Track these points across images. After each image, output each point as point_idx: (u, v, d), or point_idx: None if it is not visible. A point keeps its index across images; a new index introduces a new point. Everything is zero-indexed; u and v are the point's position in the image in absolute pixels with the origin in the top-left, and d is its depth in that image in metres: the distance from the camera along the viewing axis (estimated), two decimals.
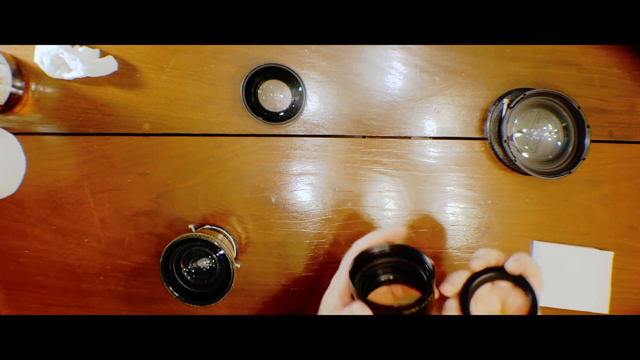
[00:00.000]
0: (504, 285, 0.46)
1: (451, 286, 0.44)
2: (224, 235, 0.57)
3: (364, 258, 0.44)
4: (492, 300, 0.47)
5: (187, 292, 0.52)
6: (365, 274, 0.45)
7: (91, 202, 0.58)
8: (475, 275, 0.44)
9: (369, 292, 0.46)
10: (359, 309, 0.41)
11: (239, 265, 0.56)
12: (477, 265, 0.44)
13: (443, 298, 0.45)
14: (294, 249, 0.60)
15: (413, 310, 0.40)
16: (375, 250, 0.45)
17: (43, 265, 0.59)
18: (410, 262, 0.45)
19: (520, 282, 0.44)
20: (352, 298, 0.44)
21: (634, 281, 0.61)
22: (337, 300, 0.45)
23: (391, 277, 0.47)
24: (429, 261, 0.42)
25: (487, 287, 0.46)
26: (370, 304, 0.41)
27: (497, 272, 0.44)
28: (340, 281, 0.45)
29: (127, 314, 0.60)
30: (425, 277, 0.43)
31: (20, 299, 0.59)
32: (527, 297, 0.44)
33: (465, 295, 0.44)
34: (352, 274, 0.43)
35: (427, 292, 0.41)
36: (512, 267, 0.43)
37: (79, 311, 0.60)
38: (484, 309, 0.46)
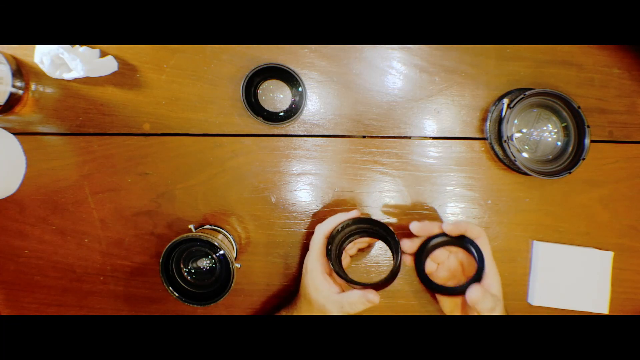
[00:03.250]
0: (457, 249, 0.53)
1: (409, 245, 0.52)
2: (224, 235, 0.57)
3: (332, 237, 0.51)
4: (450, 260, 0.54)
5: (187, 292, 0.52)
6: (338, 247, 0.52)
7: (91, 202, 0.58)
8: (428, 240, 0.52)
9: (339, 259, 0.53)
10: (372, 294, 0.47)
11: (239, 265, 0.56)
12: (421, 231, 0.51)
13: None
14: (294, 249, 0.60)
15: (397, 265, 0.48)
16: (340, 227, 0.52)
17: (43, 265, 0.59)
18: (371, 226, 0.52)
19: (464, 243, 0.50)
20: (332, 274, 0.52)
21: (634, 281, 0.61)
22: (325, 283, 0.51)
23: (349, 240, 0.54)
24: (387, 227, 0.50)
25: (443, 250, 0.53)
26: (372, 286, 0.48)
27: (446, 237, 0.51)
28: (315, 265, 0.52)
29: (127, 314, 0.60)
30: (384, 236, 0.51)
31: (20, 299, 0.59)
32: (472, 256, 0.50)
33: (420, 255, 0.51)
34: (328, 253, 0.50)
35: (397, 249, 0.49)
36: (449, 229, 0.50)
37: (79, 311, 0.60)
38: (444, 268, 0.54)
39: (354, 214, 0.53)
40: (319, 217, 0.60)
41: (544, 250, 0.60)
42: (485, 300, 0.47)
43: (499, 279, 0.50)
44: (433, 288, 0.51)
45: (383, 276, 0.50)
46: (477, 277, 0.49)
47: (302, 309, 0.54)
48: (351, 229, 0.53)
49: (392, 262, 0.53)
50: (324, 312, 0.51)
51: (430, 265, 0.54)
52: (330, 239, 0.51)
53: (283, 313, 0.56)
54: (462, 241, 0.51)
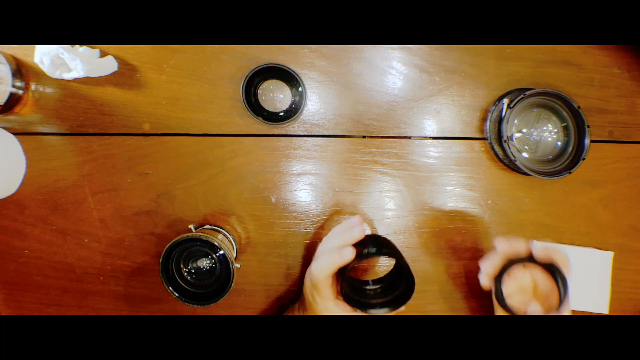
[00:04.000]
0: (535, 267, 0.49)
1: (488, 266, 0.49)
2: (224, 235, 0.57)
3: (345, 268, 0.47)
4: (524, 277, 0.50)
5: (187, 292, 0.52)
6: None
7: (91, 202, 0.58)
8: (508, 264, 0.48)
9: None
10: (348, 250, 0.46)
11: (239, 265, 0.56)
12: (508, 251, 0.48)
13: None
14: (294, 249, 0.60)
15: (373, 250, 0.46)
16: (363, 252, 0.47)
17: (43, 265, 0.59)
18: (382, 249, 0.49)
19: (550, 269, 0.47)
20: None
21: (634, 281, 0.61)
22: (333, 303, 0.49)
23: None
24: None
25: (519, 266, 0.50)
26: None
27: (527, 260, 0.48)
28: (326, 286, 0.48)
29: (127, 314, 0.60)
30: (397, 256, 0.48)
31: (20, 299, 0.59)
32: (555, 282, 0.47)
33: (500, 279, 0.48)
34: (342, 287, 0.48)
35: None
36: (539, 255, 0.46)
37: (79, 311, 0.60)
38: (517, 283, 0.50)
39: (359, 234, 0.49)
40: (318, 218, 0.60)
41: None
42: None
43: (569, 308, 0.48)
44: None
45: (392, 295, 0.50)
46: (560, 309, 0.46)
47: (296, 310, 0.53)
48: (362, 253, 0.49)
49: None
50: (312, 303, 0.50)
51: (507, 281, 0.50)
52: (343, 270, 0.47)
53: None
54: (549, 268, 0.48)
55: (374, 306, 0.49)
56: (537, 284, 0.50)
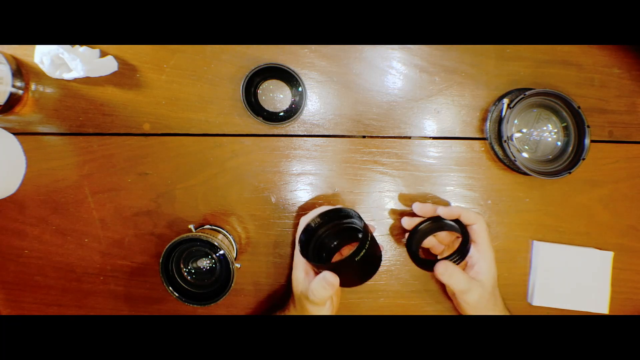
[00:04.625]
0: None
1: (408, 222, 0.56)
2: (224, 235, 0.57)
3: (307, 235, 0.52)
4: (455, 244, 0.56)
5: (187, 292, 0.52)
6: (315, 248, 0.53)
7: (91, 202, 0.58)
8: (421, 222, 0.55)
9: (326, 260, 0.55)
10: (329, 275, 0.47)
11: (239, 265, 0.56)
12: (421, 211, 0.55)
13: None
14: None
15: (362, 253, 0.46)
16: (312, 225, 0.52)
17: (43, 265, 0.59)
18: (342, 221, 0.53)
19: (459, 228, 0.52)
20: (315, 269, 0.51)
21: (634, 281, 0.61)
22: (303, 274, 0.51)
23: (335, 243, 0.55)
24: (353, 211, 0.50)
25: (449, 234, 0.56)
26: (331, 267, 0.47)
27: (439, 220, 0.54)
28: (299, 260, 0.52)
29: (127, 314, 0.60)
30: (359, 225, 0.51)
31: (20, 299, 0.59)
32: (458, 231, 0.52)
33: (413, 234, 0.54)
34: (304, 253, 0.50)
35: (364, 235, 0.47)
36: (444, 212, 0.52)
37: (79, 311, 0.60)
38: (448, 249, 0.57)
39: (322, 208, 0.53)
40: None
41: (544, 250, 0.60)
42: (454, 278, 0.49)
43: (491, 267, 0.51)
44: (417, 262, 0.52)
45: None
46: (452, 255, 0.50)
47: (291, 308, 0.54)
48: (325, 229, 0.53)
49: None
50: (304, 307, 0.51)
51: (434, 245, 0.56)
52: (306, 232, 0.52)
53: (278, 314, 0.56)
54: (453, 225, 0.53)
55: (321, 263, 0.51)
56: (441, 237, 0.56)
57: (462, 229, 0.51)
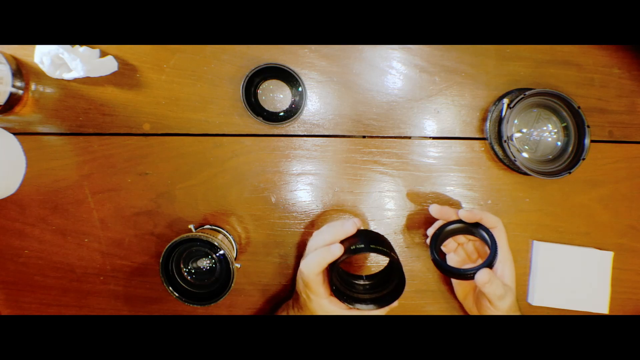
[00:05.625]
0: (476, 239, 0.55)
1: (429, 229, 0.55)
2: (224, 235, 0.57)
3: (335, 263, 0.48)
4: (467, 246, 0.56)
5: (187, 292, 0.52)
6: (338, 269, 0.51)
7: (91, 202, 0.58)
8: (445, 225, 0.53)
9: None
10: (335, 246, 0.46)
11: (239, 265, 0.56)
12: (440, 214, 0.54)
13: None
14: (294, 249, 0.60)
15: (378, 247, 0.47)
16: (344, 256, 0.47)
17: (43, 265, 0.59)
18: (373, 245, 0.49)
19: (480, 231, 0.52)
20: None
21: (634, 281, 0.61)
22: (318, 269, 0.48)
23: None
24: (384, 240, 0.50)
25: (462, 237, 0.56)
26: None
27: (463, 224, 0.53)
28: (318, 282, 0.48)
29: (127, 314, 0.60)
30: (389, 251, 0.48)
31: (20, 299, 0.59)
32: (483, 243, 0.52)
33: (435, 239, 0.53)
34: (331, 282, 0.47)
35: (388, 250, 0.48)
36: (465, 216, 0.51)
37: (79, 311, 0.60)
38: (459, 252, 0.56)
39: (351, 228, 0.49)
40: (318, 218, 0.60)
41: (544, 250, 0.60)
42: (494, 285, 0.48)
43: (513, 271, 0.51)
44: (445, 270, 0.51)
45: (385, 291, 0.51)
46: (489, 262, 0.49)
47: (291, 308, 0.54)
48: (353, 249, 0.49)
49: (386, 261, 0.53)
50: (307, 299, 0.50)
51: (450, 245, 0.56)
52: (333, 265, 0.47)
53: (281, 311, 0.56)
54: (478, 230, 0.52)
55: (362, 301, 0.49)
56: (479, 251, 0.56)
57: (488, 234, 0.50)
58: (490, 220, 0.51)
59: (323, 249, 0.47)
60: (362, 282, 0.53)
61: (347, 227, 0.49)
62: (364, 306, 0.49)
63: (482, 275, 0.47)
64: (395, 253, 0.49)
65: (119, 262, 0.59)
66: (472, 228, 0.52)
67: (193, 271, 0.53)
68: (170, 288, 0.51)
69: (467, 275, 0.49)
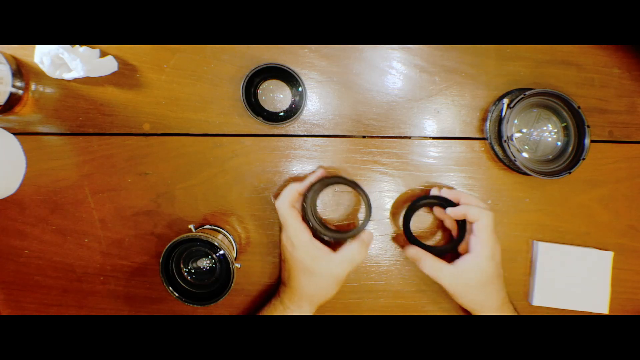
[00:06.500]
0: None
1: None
2: (224, 235, 0.57)
3: (305, 200, 0.53)
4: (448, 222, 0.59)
5: (187, 292, 0.52)
6: (313, 207, 0.55)
7: (91, 202, 0.58)
8: (418, 199, 0.57)
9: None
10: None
11: (239, 265, 0.56)
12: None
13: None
14: None
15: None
16: (311, 188, 0.53)
17: (43, 265, 0.59)
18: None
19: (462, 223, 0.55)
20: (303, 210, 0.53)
21: (634, 281, 0.61)
22: (311, 243, 0.51)
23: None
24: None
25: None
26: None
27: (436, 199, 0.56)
28: (297, 229, 0.52)
29: (127, 314, 0.60)
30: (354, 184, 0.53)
31: (20, 299, 0.59)
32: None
33: (410, 212, 0.56)
34: (305, 215, 0.52)
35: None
36: (452, 212, 0.54)
37: (79, 311, 0.60)
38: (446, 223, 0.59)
39: (319, 173, 0.55)
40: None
41: (544, 250, 0.60)
42: (427, 267, 0.52)
43: (482, 265, 0.52)
44: (412, 241, 0.55)
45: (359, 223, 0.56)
46: (451, 246, 0.55)
47: (295, 292, 0.53)
48: (318, 186, 0.54)
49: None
50: (330, 280, 0.52)
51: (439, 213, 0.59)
52: (304, 203, 0.52)
53: (270, 307, 0.55)
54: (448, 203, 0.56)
55: (330, 230, 0.54)
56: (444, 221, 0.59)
57: (461, 223, 0.54)
58: (473, 216, 0.52)
59: (292, 184, 0.54)
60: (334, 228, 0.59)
61: (317, 173, 0.55)
62: (332, 233, 0.53)
63: (408, 250, 0.54)
64: (357, 184, 0.52)
65: (119, 262, 0.59)
66: (448, 205, 0.55)
67: (193, 271, 0.53)
68: (170, 288, 0.51)
69: (428, 248, 0.55)
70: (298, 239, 0.51)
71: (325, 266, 0.51)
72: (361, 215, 0.60)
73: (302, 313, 0.53)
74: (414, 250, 0.54)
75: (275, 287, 0.60)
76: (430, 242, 0.60)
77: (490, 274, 0.52)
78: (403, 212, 0.56)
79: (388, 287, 0.61)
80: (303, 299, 0.53)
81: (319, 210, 0.59)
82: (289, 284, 0.53)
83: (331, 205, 0.60)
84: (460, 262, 0.52)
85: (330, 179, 0.54)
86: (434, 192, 0.56)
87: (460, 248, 0.55)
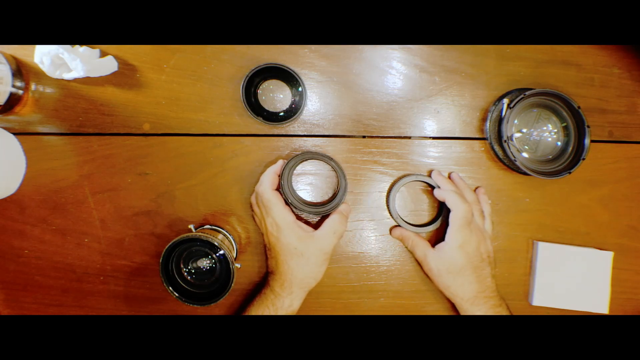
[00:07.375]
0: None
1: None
2: (224, 235, 0.57)
3: (281, 182, 0.54)
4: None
5: (187, 292, 0.52)
6: (290, 186, 0.57)
7: (91, 202, 0.58)
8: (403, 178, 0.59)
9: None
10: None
11: (239, 265, 0.56)
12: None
13: None
14: None
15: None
16: (285, 170, 0.55)
17: (43, 265, 0.59)
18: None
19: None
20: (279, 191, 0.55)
21: (634, 281, 0.61)
22: (296, 224, 0.53)
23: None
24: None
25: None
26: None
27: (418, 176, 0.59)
28: (281, 212, 0.53)
29: (127, 314, 0.60)
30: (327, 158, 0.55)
31: (20, 299, 0.59)
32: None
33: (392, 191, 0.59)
34: (283, 193, 0.54)
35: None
36: (437, 194, 0.56)
37: (79, 311, 0.60)
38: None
39: (280, 163, 0.56)
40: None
41: (544, 250, 0.60)
42: (410, 244, 0.57)
43: (447, 257, 0.54)
44: (395, 218, 0.59)
45: (329, 197, 0.59)
46: (433, 222, 0.59)
47: (285, 278, 0.53)
48: (292, 163, 0.55)
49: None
50: (318, 257, 0.53)
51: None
52: (281, 180, 0.54)
53: (261, 297, 0.55)
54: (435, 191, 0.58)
55: (309, 205, 0.56)
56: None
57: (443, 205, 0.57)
58: (449, 204, 0.54)
59: (268, 168, 0.55)
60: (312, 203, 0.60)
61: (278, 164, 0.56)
62: (307, 207, 0.55)
63: (394, 231, 0.59)
64: (335, 161, 0.55)
65: (119, 262, 0.59)
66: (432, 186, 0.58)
67: (193, 271, 0.53)
68: (170, 288, 0.51)
69: (411, 225, 0.59)
70: (284, 220, 0.52)
71: (312, 243, 0.52)
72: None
73: (294, 299, 0.53)
74: (398, 231, 0.59)
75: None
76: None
77: (460, 264, 0.53)
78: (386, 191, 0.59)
79: (388, 287, 0.61)
80: (293, 284, 0.53)
81: (297, 191, 0.60)
82: (277, 271, 0.54)
83: (309, 189, 0.60)
84: (437, 247, 0.55)
85: (304, 154, 0.55)
86: (434, 175, 0.59)
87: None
